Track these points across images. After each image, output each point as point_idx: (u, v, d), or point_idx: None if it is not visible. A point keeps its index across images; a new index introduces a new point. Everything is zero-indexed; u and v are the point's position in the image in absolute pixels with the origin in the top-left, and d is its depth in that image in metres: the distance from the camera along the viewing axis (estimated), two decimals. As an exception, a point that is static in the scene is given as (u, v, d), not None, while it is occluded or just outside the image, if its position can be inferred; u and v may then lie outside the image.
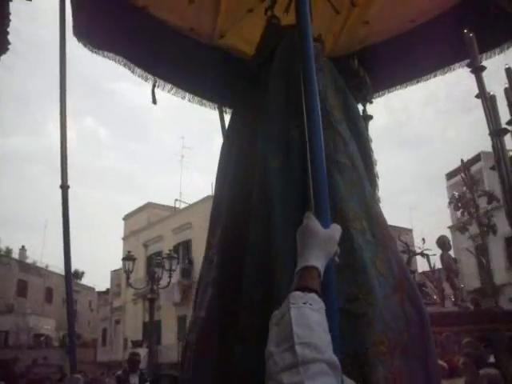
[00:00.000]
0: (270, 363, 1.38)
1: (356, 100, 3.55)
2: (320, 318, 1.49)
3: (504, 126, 3.78)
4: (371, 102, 4.23)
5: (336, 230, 1.85)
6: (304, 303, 1.50)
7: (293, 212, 2.66)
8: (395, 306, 2.67)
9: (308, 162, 2.06)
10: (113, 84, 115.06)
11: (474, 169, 32.83)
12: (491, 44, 4.20)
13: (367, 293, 2.59)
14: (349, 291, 2.57)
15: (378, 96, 5.03)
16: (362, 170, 3.09)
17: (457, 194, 19.97)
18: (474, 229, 24.44)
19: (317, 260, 1.69)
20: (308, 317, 1.46)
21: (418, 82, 4.90)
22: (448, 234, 27.51)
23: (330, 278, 1.83)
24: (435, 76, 4.76)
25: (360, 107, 4.02)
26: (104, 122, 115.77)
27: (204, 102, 5.16)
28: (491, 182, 21.50)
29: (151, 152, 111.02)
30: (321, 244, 1.75)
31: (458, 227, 31.14)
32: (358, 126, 3.38)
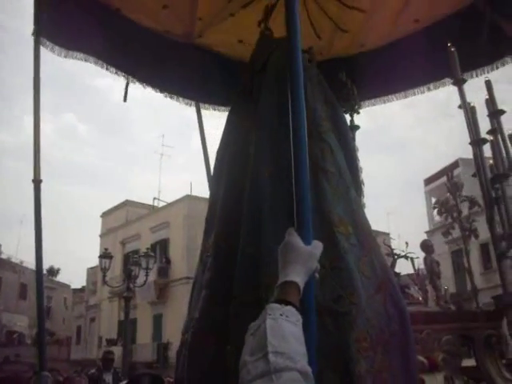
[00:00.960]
0: (243, 372, 1.40)
1: (344, 110, 3.67)
2: (295, 330, 1.52)
3: (485, 135, 3.90)
4: (358, 113, 4.38)
5: (317, 247, 1.89)
6: (280, 315, 1.53)
7: (283, 220, 2.72)
8: (378, 305, 2.78)
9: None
10: (94, 80, 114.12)
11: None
12: (473, 64, 4.30)
13: (351, 293, 2.70)
14: (334, 292, 2.69)
15: (365, 106, 5.14)
16: (349, 178, 3.20)
17: (441, 199, 20.33)
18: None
19: (297, 275, 1.72)
20: (283, 328, 1.49)
21: (402, 94, 5.04)
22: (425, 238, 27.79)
23: (310, 294, 1.87)
24: (419, 91, 4.89)
25: (348, 117, 4.16)
26: (84, 117, 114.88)
27: (180, 99, 5.19)
28: (469, 188, 21.77)
29: (131, 149, 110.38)
30: (301, 260, 1.78)
31: (437, 231, 31.52)
32: (346, 136, 3.50)
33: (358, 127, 4.52)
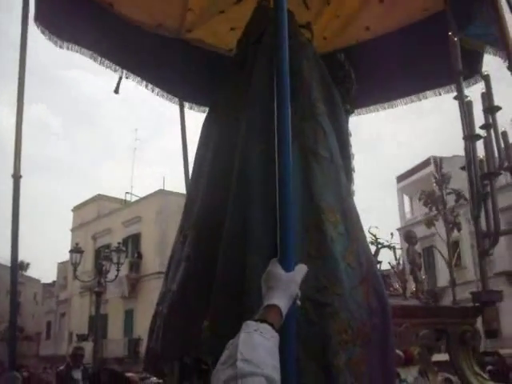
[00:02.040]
0: (213, 381, 1.45)
1: (339, 94, 3.62)
2: (268, 344, 1.57)
3: (478, 130, 3.90)
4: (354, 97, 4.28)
5: (298, 273, 1.95)
6: (255, 330, 1.59)
7: (272, 198, 2.69)
8: (360, 297, 2.77)
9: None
10: (66, 72, 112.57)
11: (423, 172, 33.76)
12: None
13: (335, 284, 2.69)
14: (319, 281, 2.67)
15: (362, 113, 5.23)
16: (340, 164, 3.16)
17: (427, 190, 20.62)
18: (421, 231, 25.06)
19: (278, 300, 1.79)
20: (255, 340, 1.55)
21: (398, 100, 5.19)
22: (396, 235, 28.06)
23: (291, 320, 1.91)
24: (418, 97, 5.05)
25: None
26: (55, 110, 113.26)
27: (165, 94, 5.18)
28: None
29: (103, 143, 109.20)
30: (283, 286, 1.86)
31: (408, 228, 31.87)
32: (340, 119, 3.46)
33: (352, 111, 4.45)
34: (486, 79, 3.88)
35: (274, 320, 1.70)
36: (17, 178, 3.64)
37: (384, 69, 4.88)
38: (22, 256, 55.00)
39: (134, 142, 60.33)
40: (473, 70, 4.50)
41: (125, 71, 4.77)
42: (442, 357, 3.78)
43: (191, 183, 3.74)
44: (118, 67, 4.69)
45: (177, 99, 5.29)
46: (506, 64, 3.66)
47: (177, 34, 4.83)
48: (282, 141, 2.10)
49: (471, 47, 4.24)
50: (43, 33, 4.15)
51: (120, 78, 4.72)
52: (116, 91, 4.75)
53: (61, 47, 4.30)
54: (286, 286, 1.86)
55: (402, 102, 5.26)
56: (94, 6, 4.24)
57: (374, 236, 3.87)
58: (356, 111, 4.93)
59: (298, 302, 1.93)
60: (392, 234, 4.17)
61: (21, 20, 3.86)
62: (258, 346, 1.52)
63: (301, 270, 1.97)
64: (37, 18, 4.05)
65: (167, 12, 4.62)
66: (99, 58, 4.54)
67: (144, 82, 4.97)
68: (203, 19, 4.69)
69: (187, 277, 3.15)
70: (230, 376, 1.40)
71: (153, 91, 5.09)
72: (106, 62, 4.61)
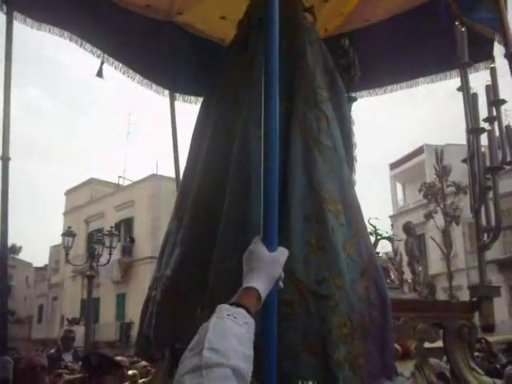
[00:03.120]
0: (180, 367, 1.39)
1: (343, 81, 3.56)
2: (240, 330, 1.50)
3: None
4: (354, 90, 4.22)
5: (281, 254, 1.86)
6: (228, 315, 1.53)
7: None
8: (361, 289, 2.75)
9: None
10: (58, 54, 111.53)
11: (416, 160, 33.83)
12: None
13: (336, 276, 2.65)
14: (319, 273, 2.63)
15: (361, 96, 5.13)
16: (342, 153, 3.11)
17: (428, 182, 20.63)
18: (414, 219, 25.16)
19: (257, 282, 1.71)
20: (226, 327, 1.48)
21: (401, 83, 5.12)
22: (389, 222, 28.19)
23: (272, 301, 1.85)
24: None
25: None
26: (47, 93, 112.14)
27: (154, 86, 5.06)
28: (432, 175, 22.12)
29: (96, 127, 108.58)
30: (264, 268, 1.77)
31: (400, 216, 31.99)
32: (343, 107, 3.40)
33: (355, 99, 4.39)
34: (492, 71, 3.81)
35: (251, 304, 1.63)
36: (5, 160, 3.62)
37: (383, 53, 4.83)
38: (14, 239, 54.94)
39: (127, 126, 59.90)
40: (482, 55, 4.42)
41: (111, 58, 4.66)
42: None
43: (187, 167, 3.66)
44: (100, 51, 4.55)
45: (166, 91, 5.18)
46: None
47: (166, 15, 4.69)
48: (268, 120, 2.06)
49: (479, 32, 4.12)
50: (15, 18, 3.96)
51: (102, 62, 4.58)
52: (99, 74, 4.61)
53: (38, 29, 4.15)
54: (269, 266, 1.78)
55: (397, 87, 5.22)
56: None
57: (374, 227, 3.83)
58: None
59: (281, 284, 1.85)
60: (392, 226, 4.13)
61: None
62: (228, 333, 1.46)
63: (284, 251, 1.88)
64: (13, 4, 3.90)
65: None
66: (80, 41, 4.40)
67: (131, 72, 4.85)
68: (194, 1, 4.58)
69: (182, 262, 3.12)
70: (195, 365, 1.34)
71: (139, 82, 4.97)
72: (89, 46, 4.47)
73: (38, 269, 50.82)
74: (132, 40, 4.63)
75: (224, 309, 1.56)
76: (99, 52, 4.55)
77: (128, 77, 4.84)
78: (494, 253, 24.77)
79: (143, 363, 6.65)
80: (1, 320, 3.77)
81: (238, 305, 1.60)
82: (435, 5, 4.29)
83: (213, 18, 4.66)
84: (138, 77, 4.91)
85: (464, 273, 25.37)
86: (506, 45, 3.52)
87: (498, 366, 7.70)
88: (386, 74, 5.11)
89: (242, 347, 1.45)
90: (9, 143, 3.65)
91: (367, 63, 4.30)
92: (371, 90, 5.29)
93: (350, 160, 3.41)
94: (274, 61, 2.09)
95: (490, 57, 4.42)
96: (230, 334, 1.46)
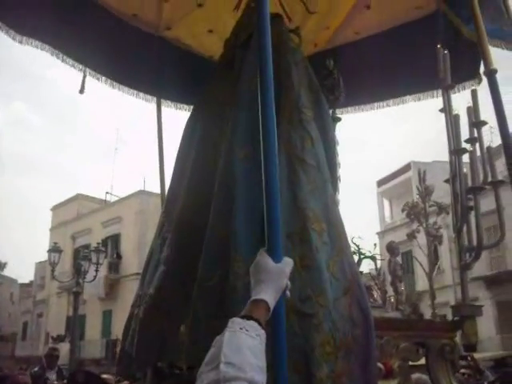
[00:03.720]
0: (198, 382, 1.42)
1: (327, 101, 3.60)
2: (253, 343, 1.53)
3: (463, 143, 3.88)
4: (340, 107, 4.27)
5: (287, 264, 1.90)
6: (240, 328, 1.56)
7: (256, 204, 2.67)
8: (343, 308, 2.75)
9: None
10: (46, 70, 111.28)
11: (403, 177, 34.02)
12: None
13: (319, 294, 2.67)
14: (302, 291, 2.64)
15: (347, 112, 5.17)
16: (327, 172, 3.14)
17: (410, 202, 20.80)
18: (400, 236, 25.25)
19: (265, 294, 1.75)
20: (240, 340, 1.51)
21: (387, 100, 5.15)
22: (376, 239, 28.28)
23: (280, 312, 1.88)
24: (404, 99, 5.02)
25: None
26: (35, 108, 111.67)
27: (140, 94, 5.03)
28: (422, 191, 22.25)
29: (84, 143, 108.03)
30: (271, 279, 1.81)
31: (387, 232, 32.08)
32: (327, 127, 3.44)
33: (339, 119, 4.43)
34: (473, 93, 3.87)
35: (261, 316, 1.67)
36: None
37: (368, 70, 4.88)
38: (-1, 255, 54.21)
39: (115, 142, 59.88)
40: (468, 74, 4.47)
41: (94, 71, 4.62)
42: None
43: (172, 183, 3.67)
44: (82, 66, 4.50)
45: (154, 98, 5.13)
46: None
47: (155, 30, 4.74)
48: (268, 143, 2.07)
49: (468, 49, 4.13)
50: (7, 32, 3.92)
51: (84, 77, 4.53)
52: (81, 91, 4.55)
53: (20, 42, 4.04)
54: (275, 278, 1.82)
55: (383, 104, 5.24)
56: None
57: (357, 246, 3.86)
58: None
59: (288, 293, 1.88)
60: (375, 245, 4.16)
61: None
62: (243, 346, 1.49)
63: (289, 262, 1.92)
64: None
65: (143, 1, 4.52)
66: (61, 56, 4.33)
67: (117, 82, 4.82)
68: (180, 13, 4.61)
69: (165, 280, 3.12)
70: (213, 380, 1.37)
71: (124, 91, 4.94)
72: (70, 60, 4.41)
73: (23, 285, 50.30)
74: (118, 51, 4.62)
75: (236, 322, 1.59)
76: (81, 66, 4.51)
77: (112, 87, 4.81)
78: (481, 269, 24.93)
79: (125, 382, 6.60)
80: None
81: (249, 317, 1.63)
82: (428, 19, 4.36)
83: (200, 32, 4.71)
84: (123, 87, 4.90)
85: (451, 289, 25.42)
86: (484, 62, 3.55)
87: (485, 383, 7.73)
88: (372, 91, 5.15)
89: (256, 359, 1.48)
90: None
91: (353, 80, 4.34)
92: (357, 107, 5.31)
93: (334, 179, 3.44)
94: (268, 80, 2.15)
95: (476, 76, 4.46)
96: (244, 347, 1.49)
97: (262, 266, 1.85)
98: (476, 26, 3.56)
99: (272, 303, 1.75)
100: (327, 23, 4.77)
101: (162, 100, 5.17)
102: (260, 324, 1.62)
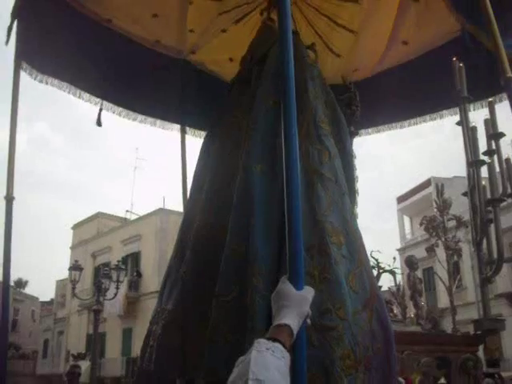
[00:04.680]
0: None
1: (344, 115, 3.62)
2: (280, 363, 1.54)
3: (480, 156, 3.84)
4: (358, 120, 4.28)
5: (309, 292, 1.93)
6: (267, 349, 1.57)
7: (273, 219, 2.73)
8: (363, 321, 2.72)
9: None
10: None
11: (423, 193, 33.76)
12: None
13: (339, 307, 2.65)
14: (322, 304, 2.62)
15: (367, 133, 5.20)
16: (344, 186, 3.14)
17: (429, 216, 20.66)
18: (422, 252, 24.96)
19: (290, 319, 1.77)
20: (267, 360, 1.52)
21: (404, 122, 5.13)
22: (397, 255, 27.99)
23: (302, 340, 1.87)
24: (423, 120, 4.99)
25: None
26: (57, 128, 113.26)
27: (160, 122, 5.12)
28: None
29: (104, 161, 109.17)
30: (294, 305, 1.83)
31: (408, 249, 31.76)
32: (344, 141, 3.45)
33: (356, 133, 4.45)
34: (491, 105, 3.85)
35: (285, 339, 1.68)
36: (9, 199, 3.61)
37: (390, 94, 4.89)
38: (21, 273, 54.74)
39: (134, 161, 60.23)
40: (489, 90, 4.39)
41: (111, 104, 4.74)
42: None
43: (189, 200, 3.71)
44: (98, 99, 4.63)
45: (177, 126, 5.23)
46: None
47: (179, 53, 4.80)
48: (290, 161, 2.09)
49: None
50: (26, 71, 4.07)
51: (100, 110, 4.65)
52: (98, 124, 4.67)
53: (40, 82, 4.22)
54: (298, 304, 1.84)
55: (405, 124, 5.24)
56: (90, 27, 4.19)
57: (376, 260, 3.84)
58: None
59: (309, 321, 1.91)
60: (394, 259, 4.13)
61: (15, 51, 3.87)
62: (270, 365, 1.50)
63: (310, 290, 1.95)
64: (21, 55, 3.95)
65: (164, 29, 4.59)
66: (78, 92, 4.47)
67: (133, 114, 4.93)
68: (205, 39, 4.68)
69: (184, 296, 3.13)
70: None
71: (147, 122, 5.04)
72: (87, 95, 4.54)
73: (43, 303, 50.64)
74: (140, 80, 4.71)
75: (262, 343, 1.60)
76: (97, 100, 4.62)
77: (129, 118, 4.91)
78: (504, 286, 24.55)
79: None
80: (1, 355, 3.73)
81: (274, 339, 1.64)
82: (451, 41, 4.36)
83: (222, 59, 4.78)
84: (141, 117, 4.99)
85: (474, 306, 25.03)
86: (501, 70, 3.53)
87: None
88: (393, 112, 5.17)
89: (283, 379, 1.51)
90: (13, 183, 3.66)
91: (373, 102, 4.36)
92: (376, 128, 5.34)
93: (352, 193, 3.43)
94: (291, 95, 2.19)
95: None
96: (271, 366, 1.50)
97: (285, 293, 1.87)
98: (492, 33, 3.55)
99: (295, 329, 1.76)
100: (355, 66, 4.82)
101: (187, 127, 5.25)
102: (285, 347, 1.64)
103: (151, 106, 4.97)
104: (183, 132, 5.25)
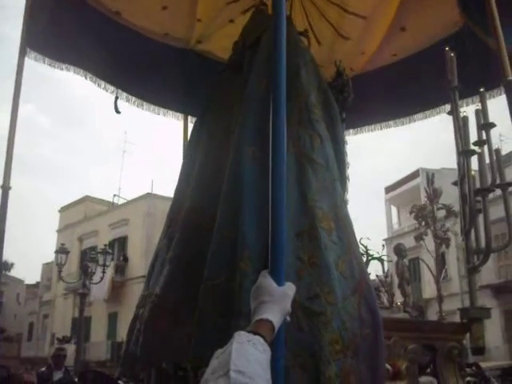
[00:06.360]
0: None
1: (336, 102, 3.62)
2: (261, 356, 1.52)
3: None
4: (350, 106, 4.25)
5: (290, 288, 1.88)
6: (248, 341, 1.54)
7: (263, 202, 2.67)
8: (352, 307, 2.74)
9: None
10: (56, 71, 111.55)
11: (412, 184, 33.91)
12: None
13: (328, 292, 2.67)
14: (311, 289, 2.64)
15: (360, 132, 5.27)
16: (336, 172, 3.15)
17: (418, 204, 20.83)
18: (408, 243, 25.13)
19: (272, 315, 1.72)
20: (248, 352, 1.49)
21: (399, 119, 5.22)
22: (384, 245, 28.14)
23: (281, 337, 1.85)
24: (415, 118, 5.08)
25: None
26: (44, 110, 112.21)
27: (168, 112, 5.15)
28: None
29: (92, 144, 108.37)
30: (276, 301, 1.79)
31: (395, 239, 31.95)
32: (336, 127, 3.44)
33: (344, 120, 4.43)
34: (482, 95, 3.86)
35: (267, 334, 1.64)
36: (5, 189, 3.58)
37: (383, 90, 4.94)
38: (6, 256, 54.33)
39: (123, 144, 59.91)
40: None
41: (124, 92, 4.78)
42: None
43: (178, 185, 3.70)
44: (113, 87, 4.67)
45: (180, 115, 5.24)
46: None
47: (186, 44, 4.83)
48: (277, 146, 2.04)
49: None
50: (36, 59, 4.10)
51: (116, 98, 4.68)
52: (116, 111, 4.69)
53: (61, 69, 4.29)
54: (280, 300, 1.79)
55: (400, 122, 5.29)
56: (99, 19, 4.23)
57: (365, 247, 3.85)
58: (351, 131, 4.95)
59: (288, 319, 1.87)
60: (383, 246, 4.15)
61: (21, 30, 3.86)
62: (252, 358, 1.47)
63: (292, 286, 1.90)
64: (30, 44, 3.97)
65: (174, 21, 4.62)
66: (94, 78, 4.52)
67: (145, 104, 4.98)
68: (212, 29, 4.71)
69: (171, 280, 3.13)
70: None
71: (154, 112, 5.09)
72: (102, 82, 4.60)
73: (29, 286, 50.41)
74: (147, 71, 4.74)
75: (243, 335, 1.57)
76: (112, 88, 4.66)
77: (142, 109, 4.97)
78: (489, 278, 24.80)
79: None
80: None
81: (255, 333, 1.61)
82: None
83: (230, 46, 4.76)
84: (151, 106, 5.04)
85: (458, 297, 25.28)
86: (502, 72, 3.54)
87: (492, 390, 7.71)
88: (385, 110, 5.23)
89: (264, 373, 1.47)
90: (10, 173, 3.62)
91: (365, 101, 4.39)
92: (367, 127, 5.41)
93: (343, 179, 3.45)
94: (281, 79, 2.14)
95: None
96: (253, 358, 1.47)
97: (267, 288, 1.82)
98: (495, 35, 3.57)
99: (277, 325, 1.72)
100: (362, 48, 4.84)
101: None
102: (266, 341, 1.60)
103: (159, 95, 5.02)
104: (186, 119, 5.24)
